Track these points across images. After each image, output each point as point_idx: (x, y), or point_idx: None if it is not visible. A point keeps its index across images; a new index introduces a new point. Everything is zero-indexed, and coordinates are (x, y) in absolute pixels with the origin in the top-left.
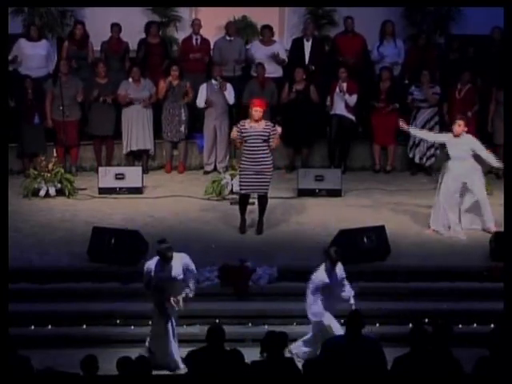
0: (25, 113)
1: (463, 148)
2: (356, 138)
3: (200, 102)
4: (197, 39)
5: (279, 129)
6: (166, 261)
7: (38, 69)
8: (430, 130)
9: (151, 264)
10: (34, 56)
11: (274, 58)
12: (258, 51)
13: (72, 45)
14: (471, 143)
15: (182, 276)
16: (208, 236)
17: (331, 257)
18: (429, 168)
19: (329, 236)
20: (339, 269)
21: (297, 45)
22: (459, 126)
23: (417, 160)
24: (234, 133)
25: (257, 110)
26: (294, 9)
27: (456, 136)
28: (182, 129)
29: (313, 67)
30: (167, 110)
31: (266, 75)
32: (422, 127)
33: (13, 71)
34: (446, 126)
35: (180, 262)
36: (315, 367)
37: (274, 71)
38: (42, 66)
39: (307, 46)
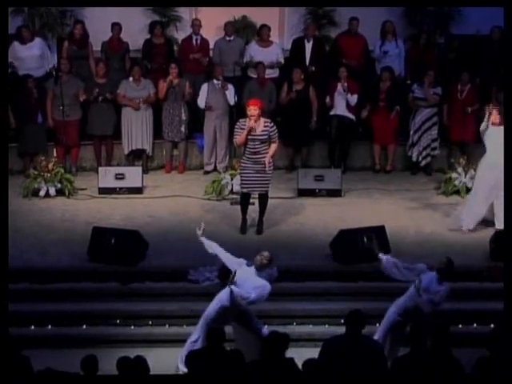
0: (28, 112)
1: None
2: (356, 138)
3: (201, 103)
4: (197, 39)
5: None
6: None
7: (35, 69)
8: (427, 130)
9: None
10: (29, 58)
11: (272, 65)
12: (256, 52)
13: (72, 44)
14: None
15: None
16: (208, 236)
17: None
18: (427, 167)
19: (329, 236)
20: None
21: (297, 45)
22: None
23: (414, 158)
24: (241, 137)
25: (250, 109)
26: (294, 9)
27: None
28: (183, 129)
29: (313, 68)
30: (167, 109)
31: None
32: (420, 127)
33: (11, 72)
34: (444, 128)
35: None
36: (315, 367)
37: (271, 72)
38: (38, 65)
39: (308, 46)
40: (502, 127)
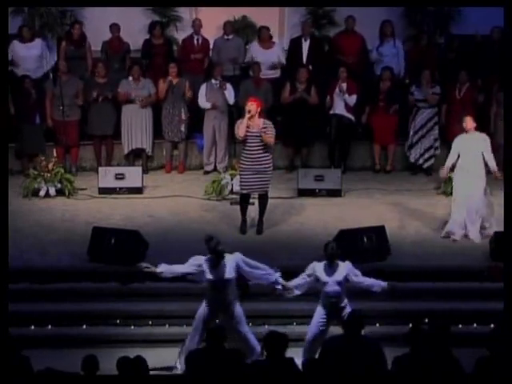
0: (26, 113)
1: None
2: (356, 138)
3: (202, 102)
4: (198, 39)
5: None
6: (218, 258)
7: (33, 70)
8: (429, 130)
9: (202, 261)
10: (28, 57)
11: (273, 66)
12: (257, 53)
13: (70, 45)
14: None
15: (234, 275)
16: None
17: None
18: (428, 168)
19: (329, 236)
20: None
21: (295, 44)
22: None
23: (412, 160)
24: (242, 126)
25: (248, 105)
26: (294, 9)
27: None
28: (183, 128)
29: (310, 67)
30: (167, 109)
31: (265, 76)
32: (421, 127)
33: (10, 72)
34: (443, 128)
35: (233, 262)
36: (315, 367)
37: (273, 72)
38: (37, 66)
39: (305, 45)
40: (473, 133)
